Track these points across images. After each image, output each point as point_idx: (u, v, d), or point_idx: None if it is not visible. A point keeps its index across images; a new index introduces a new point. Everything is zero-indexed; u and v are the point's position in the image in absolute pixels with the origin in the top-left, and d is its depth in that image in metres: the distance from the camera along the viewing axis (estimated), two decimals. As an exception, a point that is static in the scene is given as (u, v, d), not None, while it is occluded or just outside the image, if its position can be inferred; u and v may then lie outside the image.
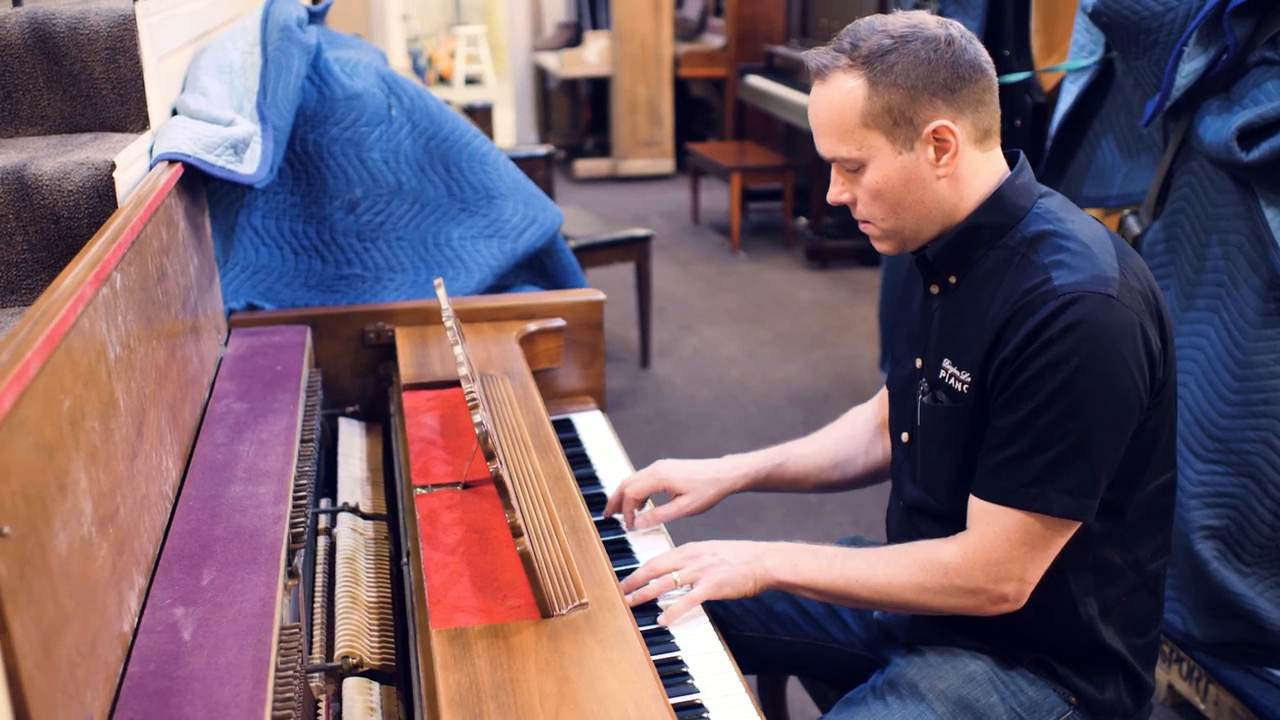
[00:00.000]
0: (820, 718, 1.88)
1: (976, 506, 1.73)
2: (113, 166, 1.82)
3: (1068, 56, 3.32)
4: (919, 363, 1.87)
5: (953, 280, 1.81)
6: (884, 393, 2.18)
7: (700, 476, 2.11)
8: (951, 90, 1.68)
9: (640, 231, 5.41)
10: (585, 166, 9.80)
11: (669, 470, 2.12)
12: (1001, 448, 1.69)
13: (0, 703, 0.96)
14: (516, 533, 1.48)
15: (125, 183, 1.87)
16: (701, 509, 2.10)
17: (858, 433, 2.19)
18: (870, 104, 1.69)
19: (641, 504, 2.14)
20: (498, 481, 1.48)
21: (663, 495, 2.13)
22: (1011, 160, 1.80)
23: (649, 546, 2.05)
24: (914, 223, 1.76)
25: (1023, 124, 3.70)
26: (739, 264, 7.22)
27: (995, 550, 1.70)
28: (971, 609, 1.76)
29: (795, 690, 2.70)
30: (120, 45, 2.03)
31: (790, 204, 7.49)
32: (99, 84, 2.05)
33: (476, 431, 1.51)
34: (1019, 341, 1.65)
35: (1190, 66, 2.70)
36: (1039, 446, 1.65)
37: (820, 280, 6.84)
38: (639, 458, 2.33)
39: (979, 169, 1.74)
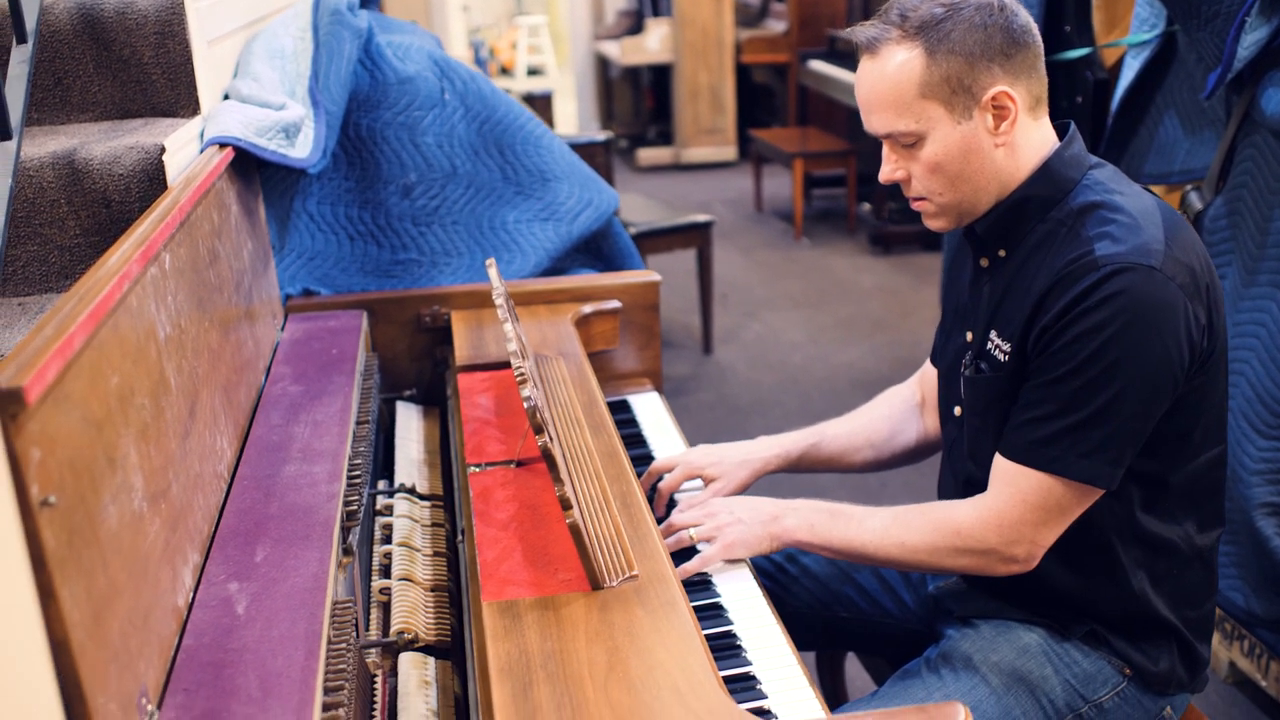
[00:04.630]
0: (876, 691, 1.87)
1: (998, 466, 1.73)
2: (162, 150, 1.84)
3: (1129, 31, 3.27)
4: (969, 336, 1.85)
5: (1002, 254, 1.79)
6: (923, 371, 2.17)
7: (731, 459, 2.11)
8: (1008, 56, 1.67)
9: (701, 218, 5.39)
10: (648, 155, 9.79)
11: (699, 458, 2.12)
12: (1029, 408, 1.69)
13: (46, 670, 0.97)
14: (565, 505, 1.48)
15: (175, 166, 1.88)
16: (735, 491, 2.09)
17: (894, 412, 2.18)
18: (929, 74, 1.67)
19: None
20: (546, 455, 1.48)
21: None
22: (1062, 131, 1.78)
23: None
24: (972, 194, 1.74)
25: (1084, 100, 3.65)
26: (802, 250, 7.18)
27: (1009, 511, 1.70)
28: (980, 569, 1.76)
29: (853, 666, 2.69)
30: (169, 30, 2.05)
31: (853, 189, 7.44)
32: (148, 69, 2.07)
33: (525, 406, 1.51)
34: (1059, 309, 1.63)
35: (1253, 37, 2.65)
36: (1065, 410, 1.64)
37: (883, 265, 6.79)
38: (700, 443, 2.31)
39: (1031, 137, 1.73)
